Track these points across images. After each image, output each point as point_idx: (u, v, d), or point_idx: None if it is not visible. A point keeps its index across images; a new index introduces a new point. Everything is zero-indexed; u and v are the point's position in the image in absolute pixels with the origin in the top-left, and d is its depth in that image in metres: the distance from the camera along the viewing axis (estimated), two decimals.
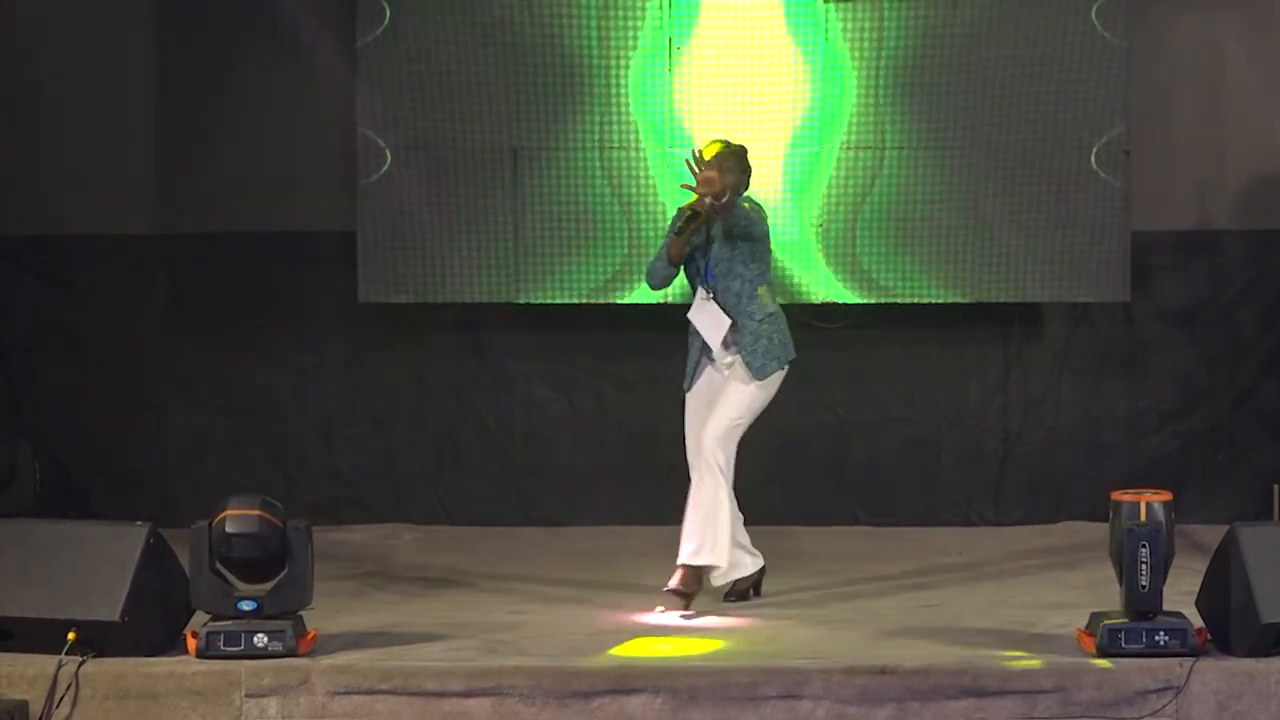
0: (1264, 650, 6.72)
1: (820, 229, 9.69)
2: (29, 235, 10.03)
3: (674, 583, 7.70)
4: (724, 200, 7.52)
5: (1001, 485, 10.04)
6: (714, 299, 7.83)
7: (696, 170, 7.54)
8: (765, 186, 9.60)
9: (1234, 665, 6.70)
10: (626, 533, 9.59)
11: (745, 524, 7.93)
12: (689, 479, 7.82)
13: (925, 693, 6.64)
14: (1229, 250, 9.98)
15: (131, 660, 6.78)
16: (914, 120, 9.67)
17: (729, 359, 7.88)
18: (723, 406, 7.78)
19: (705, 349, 7.91)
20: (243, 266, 10.03)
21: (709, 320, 7.85)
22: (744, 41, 9.65)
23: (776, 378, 7.90)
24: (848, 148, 9.68)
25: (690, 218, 7.71)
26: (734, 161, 7.85)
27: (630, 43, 9.66)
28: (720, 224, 7.75)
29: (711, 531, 7.70)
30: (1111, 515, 6.93)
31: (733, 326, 7.84)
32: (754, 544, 8.00)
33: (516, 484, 10.02)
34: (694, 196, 7.61)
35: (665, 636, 7.31)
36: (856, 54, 9.65)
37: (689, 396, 7.95)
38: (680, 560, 7.73)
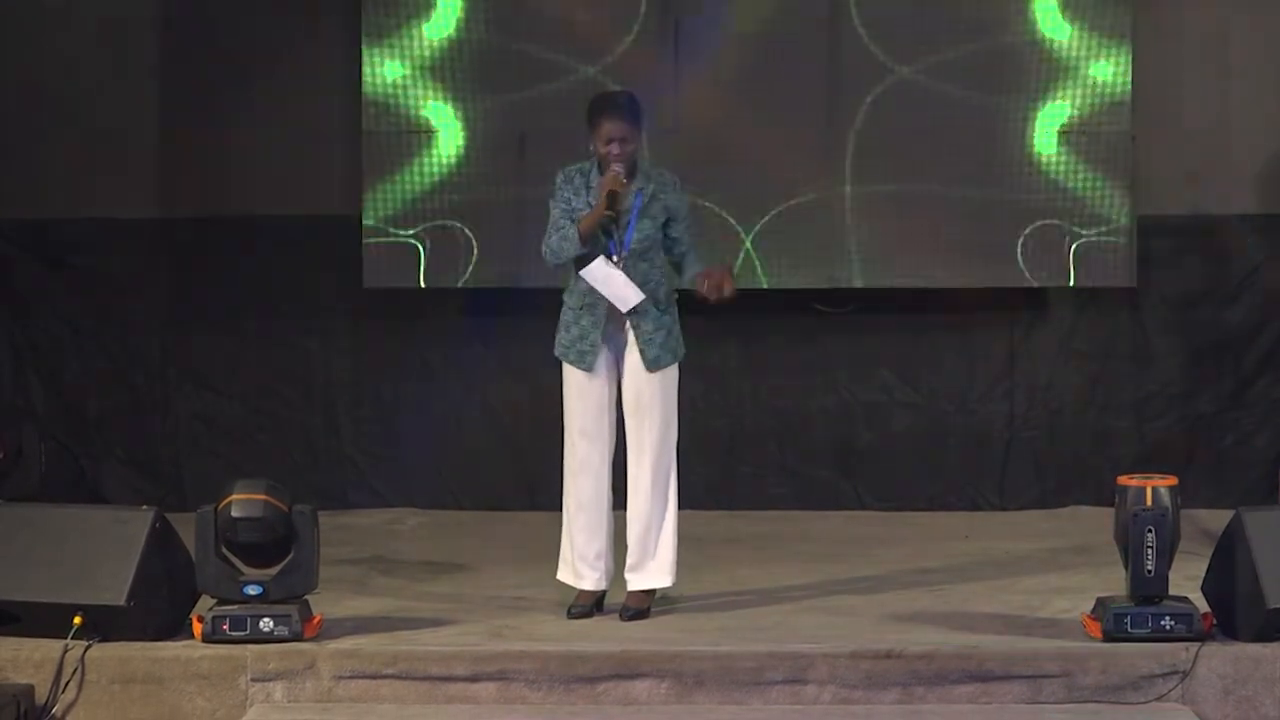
0: (1270, 635, 6.71)
1: (825, 213, 9.70)
2: (35, 219, 10.02)
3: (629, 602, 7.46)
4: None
5: (1007, 470, 10.03)
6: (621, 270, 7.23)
7: None
8: (773, 173, 9.64)
9: (1240, 650, 6.70)
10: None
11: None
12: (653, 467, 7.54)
13: (930, 677, 6.65)
14: (1235, 235, 9.96)
15: (137, 645, 6.79)
16: (918, 103, 9.66)
17: (628, 336, 7.35)
18: (654, 428, 7.41)
19: (608, 322, 7.35)
20: (249, 250, 10.02)
21: (620, 279, 7.24)
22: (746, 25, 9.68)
23: (674, 372, 7.39)
24: (853, 130, 9.68)
25: (614, 193, 7.16)
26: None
27: (632, 28, 9.67)
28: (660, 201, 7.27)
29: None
30: (1117, 500, 6.92)
31: (636, 308, 7.27)
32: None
33: (523, 468, 10.00)
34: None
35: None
36: (861, 37, 9.66)
37: (586, 377, 7.43)
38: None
